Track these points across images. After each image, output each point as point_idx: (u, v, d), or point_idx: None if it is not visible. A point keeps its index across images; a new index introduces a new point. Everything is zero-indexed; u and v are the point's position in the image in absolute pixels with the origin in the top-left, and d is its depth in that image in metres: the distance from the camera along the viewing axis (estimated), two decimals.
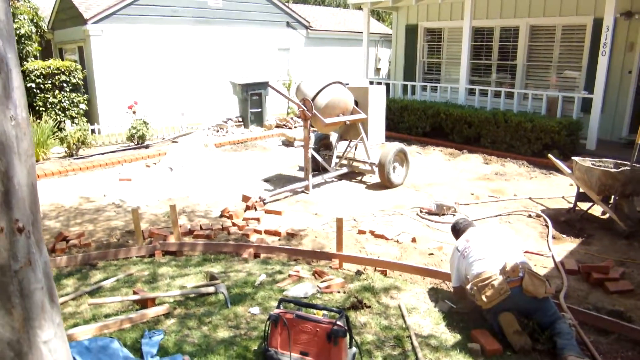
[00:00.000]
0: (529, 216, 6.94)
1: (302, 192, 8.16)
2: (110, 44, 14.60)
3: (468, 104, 12.33)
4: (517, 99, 11.71)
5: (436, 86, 13.52)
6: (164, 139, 12.47)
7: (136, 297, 4.44)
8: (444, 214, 6.98)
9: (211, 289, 4.52)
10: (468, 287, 4.31)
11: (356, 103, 8.60)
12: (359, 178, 9.12)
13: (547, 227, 6.46)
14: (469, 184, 8.65)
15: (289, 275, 4.85)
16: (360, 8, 19.14)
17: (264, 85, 13.53)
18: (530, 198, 7.71)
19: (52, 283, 1.88)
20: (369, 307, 4.24)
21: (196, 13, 16.11)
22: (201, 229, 6.36)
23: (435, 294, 4.58)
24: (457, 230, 4.75)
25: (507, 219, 6.90)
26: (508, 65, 13.07)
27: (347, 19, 22.97)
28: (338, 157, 9.15)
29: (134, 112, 11.96)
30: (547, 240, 6.09)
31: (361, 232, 6.31)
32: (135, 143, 11.80)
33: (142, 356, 3.66)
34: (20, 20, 13.63)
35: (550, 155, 7.59)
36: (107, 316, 4.27)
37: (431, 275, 4.92)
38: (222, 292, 4.44)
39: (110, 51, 14.65)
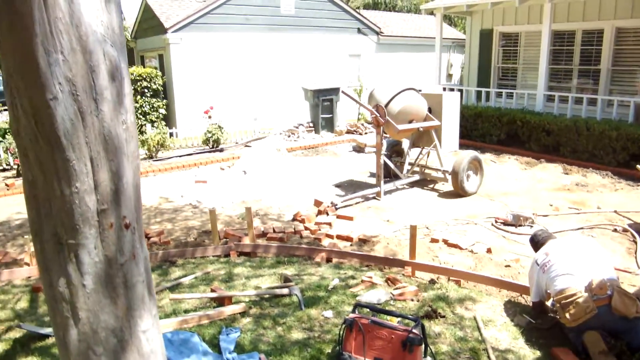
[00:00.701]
0: (615, 230, 6.53)
1: (374, 198, 8.14)
2: (188, 51, 15.28)
3: (546, 111, 11.80)
4: (600, 105, 11.06)
5: (512, 92, 13.05)
6: (237, 143, 12.87)
7: (214, 294, 4.61)
8: (520, 225, 6.71)
9: (285, 291, 4.61)
10: (549, 303, 4.12)
11: (429, 110, 8.48)
12: (431, 186, 8.97)
13: (635, 242, 6.06)
14: (547, 195, 8.27)
15: (362, 281, 4.85)
16: (432, 13, 18.90)
17: (335, 91, 13.64)
18: (615, 211, 7.25)
19: (150, 277, 2.00)
20: (444, 317, 4.16)
21: (269, 20, 16.52)
22: (274, 231, 6.50)
23: (512, 308, 4.41)
24: (536, 243, 4.55)
25: (590, 232, 6.53)
26: (590, 70, 12.38)
27: (419, 25, 22.71)
28: (410, 164, 9.05)
29: (209, 117, 12.44)
30: (636, 257, 5.70)
31: (434, 240, 6.20)
32: (210, 146, 12.26)
33: (220, 352, 3.79)
34: None
35: (639, 167, 7.12)
36: (186, 311, 4.46)
37: (508, 287, 4.76)
38: (296, 294, 4.51)
39: (187, 58, 15.33)
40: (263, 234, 6.46)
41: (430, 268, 5.16)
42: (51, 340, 4.16)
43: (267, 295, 4.64)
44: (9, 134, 10.96)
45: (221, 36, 15.72)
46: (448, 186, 8.61)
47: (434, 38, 15.13)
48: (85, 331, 1.86)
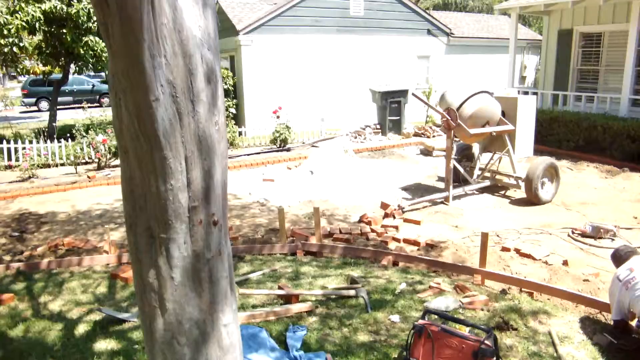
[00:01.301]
0: None
1: (442, 203, 7.98)
2: (258, 52, 15.63)
3: (631, 116, 11.07)
4: None
5: (592, 96, 12.35)
6: (303, 143, 13.02)
7: (281, 292, 4.69)
8: (600, 238, 6.35)
9: (352, 292, 4.61)
10: (634, 323, 3.87)
11: (503, 113, 8.19)
12: (503, 192, 8.66)
13: None
14: (631, 206, 7.76)
15: (430, 287, 4.77)
16: (506, 13, 18.26)
17: (403, 93, 13.49)
18: None
19: (232, 273, 2.06)
20: (516, 329, 4.01)
21: (338, 22, 16.59)
22: (340, 232, 6.52)
23: (591, 325, 4.18)
24: (619, 258, 4.29)
25: None
26: None
27: (491, 25, 22.00)
28: (481, 169, 8.79)
29: (277, 117, 12.67)
30: None
31: (505, 249, 5.99)
32: (278, 146, 12.49)
33: (287, 348, 3.85)
34: None
35: None
36: (253, 306, 4.56)
37: (586, 303, 4.51)
38: (363, 296, 4.51)
39: (257, 59, 15.68)
40: (329, 235, 6.49)
41: (501, 277, 4.98)
42: (128, 324, 4.39)
43: (333, 296, 4.66)
44: (91, 129, 11.67)
45: (291, 38, 15.96)
46: (520, 193, 8.28)
47: (508, 39, 14.61)
48: (171, 321, 1.94)
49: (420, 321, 3.54)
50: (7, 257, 6.41)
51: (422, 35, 18.41)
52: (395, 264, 5.59)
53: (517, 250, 5.91)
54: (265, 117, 13.89)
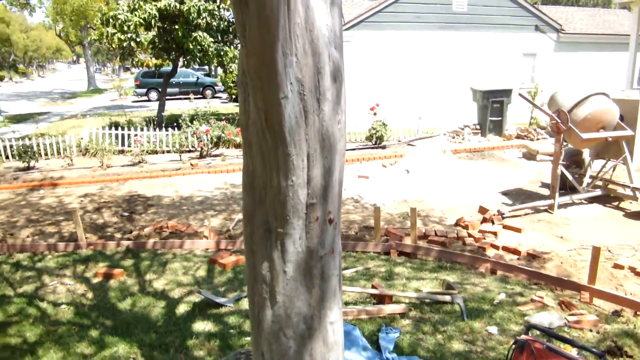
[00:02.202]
0: None
1: (546, 210, 7.50)
2: (357, 49, 15.62)
3: None
4: None
5: None
6: (399, 141, 12.86)
7: (374, 291, 4.66)
8: None
9: (447, 298, 4.48)
10: None
11: (621, 117, 7.53)
12: (616, 203, 7.97)
13: None
14: None
15: (532, 300, 4.50)
16: (626, 7, 16.75)
17: (507, 92, 12.86)
18: None
19: (341, 272, 2.07)
20: (631, 357, 3.67)
21: (440, 19, 16.15)
22: (436, 234, 6.36)
23: None
24: None
25: None
26: None
27: (608, 20, 20.30)
28: (591, 177, 8.16)
29: (374, 114, 12.60)
30: None
31: (618, 266, 5.50)
32: (373, 143, 12.43)
33: (379, 349, 3.82)
34: None
35: None
36: (346, 304, 4.57)
37: None
38: (459, 303, 4.36)
39: (356, 55, 15.67)
40: (424, 236, 6.35)
41: (613, 297, 4.59)
42: (224, 309, 4.58)
43: (427, 300, 4.56)
44: (196, 120, 12.34)
45: (390, 34, 15.79)
46: (637, 205, 7.58)
47: (626, 35, 13.40)
48: (279, 314, 1.99)
49: (523, 336, 3.33)
50: (118, 235, 6.97)
51: (529, 32, 17.42)
52: (493, 272, 5.34)
53: (633, 269, 5.41)
54: (361, 113, 13.85)
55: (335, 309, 2.02)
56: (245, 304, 4.65)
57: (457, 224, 6.93)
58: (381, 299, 4.60)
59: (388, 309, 4.41)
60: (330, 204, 1.83)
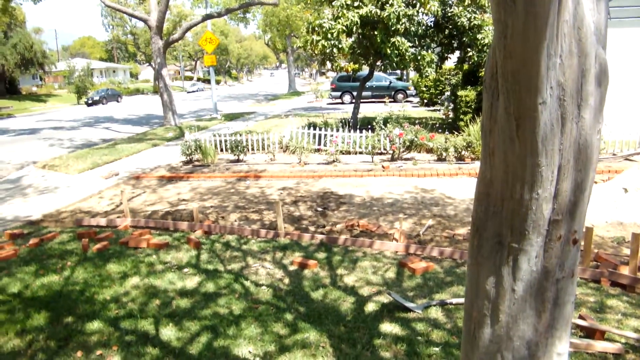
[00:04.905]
0: None
1: None
2: None
3: None
4: None
5: None
6: (614, 154, 11.33)
7: (584, 323, 4.15)
8: None
9: None
10: None
11: None
12: None
13: None
14: None
15: None
16: None
17: None
18: None
19: (575, 299, 1.85)
20: None
21: None
22: None
23: None
24: None
25: None
26: None
27: None
28: None
29: None
30: None
31: None
32: None
33: None
34: None
35: None
36: None
37: None
38: None
39: None
40: None
41: None
42: (412, 314, 4.52)
43: None
44: (389, 123, 12.51)
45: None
46: None
47: None
48: (499, 334, 1.85)
49: None
50: (312, 228, 7.39)
51: None
52: None
53: None
54: None
55: (565, 339, 1.81)
56: (434, 313, 4.54)
57: None
58: (590, 333, 4.08)
59: (599, 345, 3.88)
60: (577, 222, 1.63)
